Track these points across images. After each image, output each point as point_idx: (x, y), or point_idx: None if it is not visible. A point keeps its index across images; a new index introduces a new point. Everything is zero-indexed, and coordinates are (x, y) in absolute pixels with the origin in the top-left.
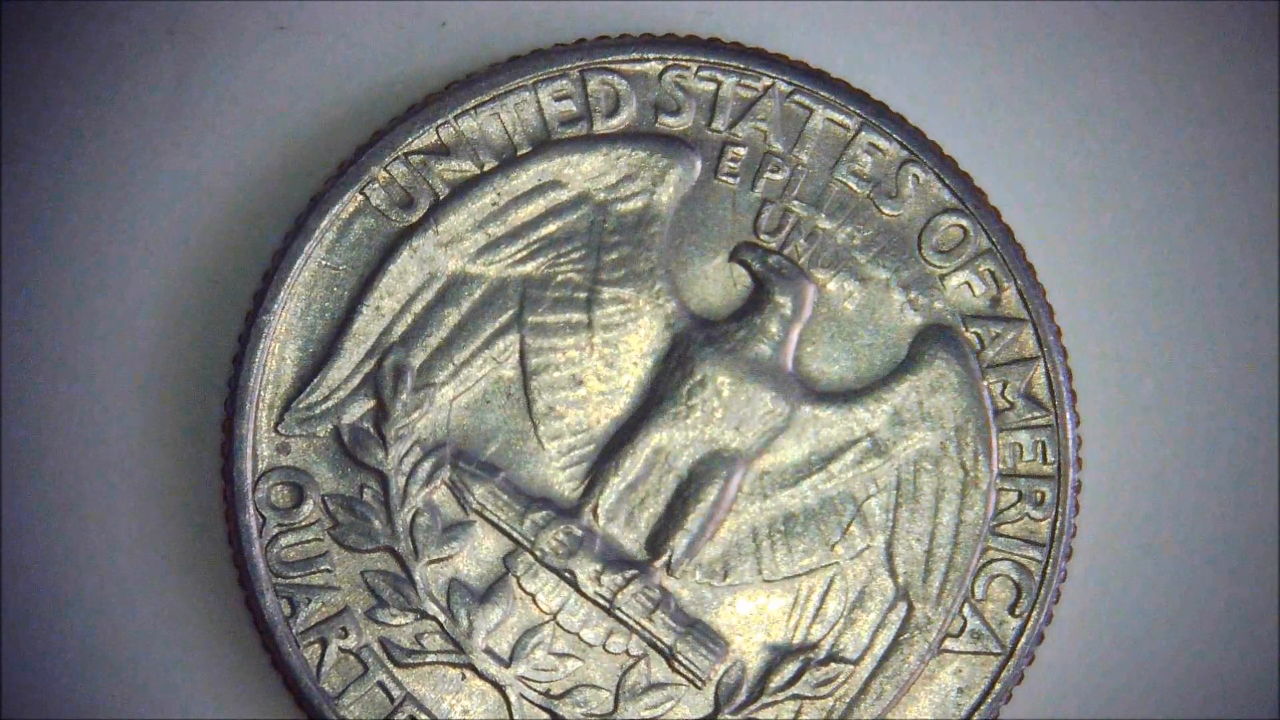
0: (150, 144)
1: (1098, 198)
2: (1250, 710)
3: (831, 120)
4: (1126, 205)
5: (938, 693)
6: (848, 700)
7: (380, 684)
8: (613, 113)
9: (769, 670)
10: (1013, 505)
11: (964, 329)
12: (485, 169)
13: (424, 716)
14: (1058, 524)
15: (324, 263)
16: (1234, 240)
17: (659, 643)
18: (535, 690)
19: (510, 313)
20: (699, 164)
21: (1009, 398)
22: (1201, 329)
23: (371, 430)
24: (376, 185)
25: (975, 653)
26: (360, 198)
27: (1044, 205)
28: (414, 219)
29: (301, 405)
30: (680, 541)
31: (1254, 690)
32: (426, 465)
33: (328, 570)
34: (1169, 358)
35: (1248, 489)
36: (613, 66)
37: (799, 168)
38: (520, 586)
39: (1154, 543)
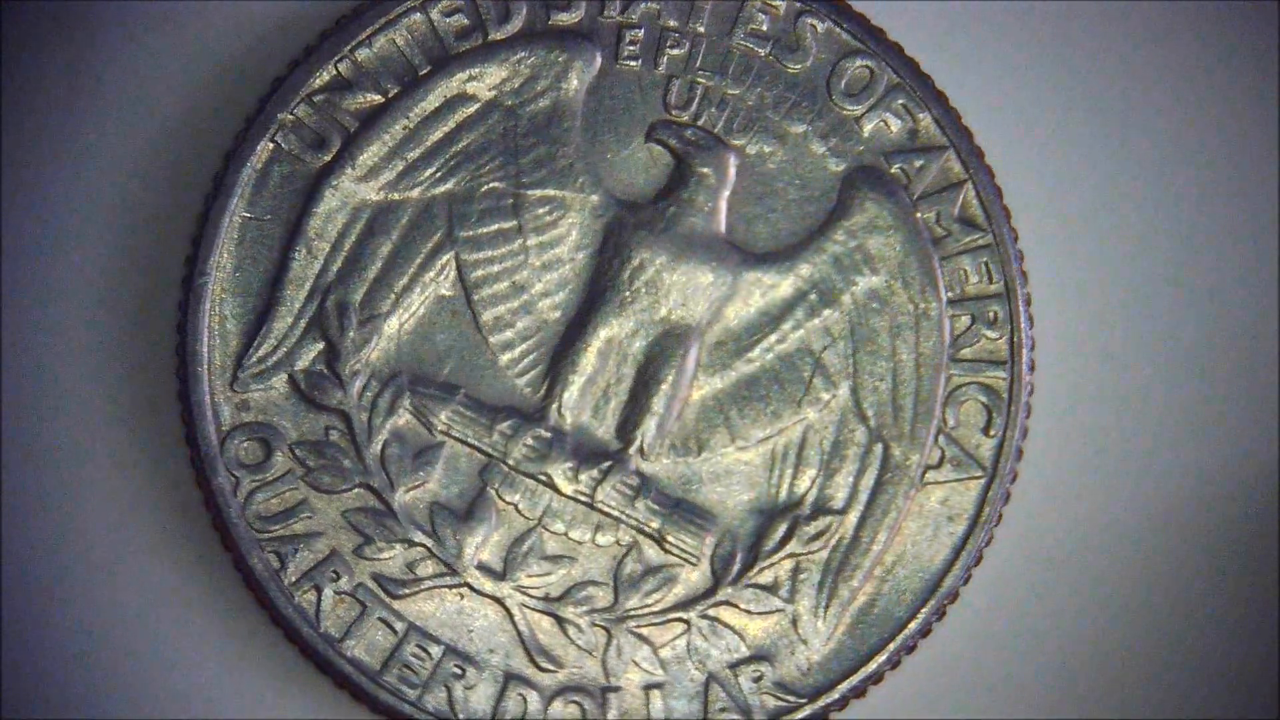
0: (54, 127)
1: (1000, 20)
2: (1236, 497)
3: None
4: (1032, 22)
5: (929, 525)
6: (843, 549)
7: (382, 620)
8: (505, 18)
9: (760, 535)
10: (968, 329)
11: (888, 166)
12: (391, 95)
13: (431, 644)
14: (1015, 339)
15: (248, 216)
16: (1141, 49)
17: (646, 529)
18: (534, 597)
19: (440, 232)
20: (598, 54)
21: (944, 225)
22: (1128, 133)
23: (326, 371)
24: (285, 131)
25: (958, 479)
26: (271, 145)
27: (944, 33)
28: (329, 158)
29: (253, 360)
30: (649, 425)
31: (1234, 485)
32: (386, 396)
33: (308, 517)
34: (1098, 164)
35: (1200, 279)
36: None
37: (697, 39)
38: (500, 498)
39: (1113, 346)
